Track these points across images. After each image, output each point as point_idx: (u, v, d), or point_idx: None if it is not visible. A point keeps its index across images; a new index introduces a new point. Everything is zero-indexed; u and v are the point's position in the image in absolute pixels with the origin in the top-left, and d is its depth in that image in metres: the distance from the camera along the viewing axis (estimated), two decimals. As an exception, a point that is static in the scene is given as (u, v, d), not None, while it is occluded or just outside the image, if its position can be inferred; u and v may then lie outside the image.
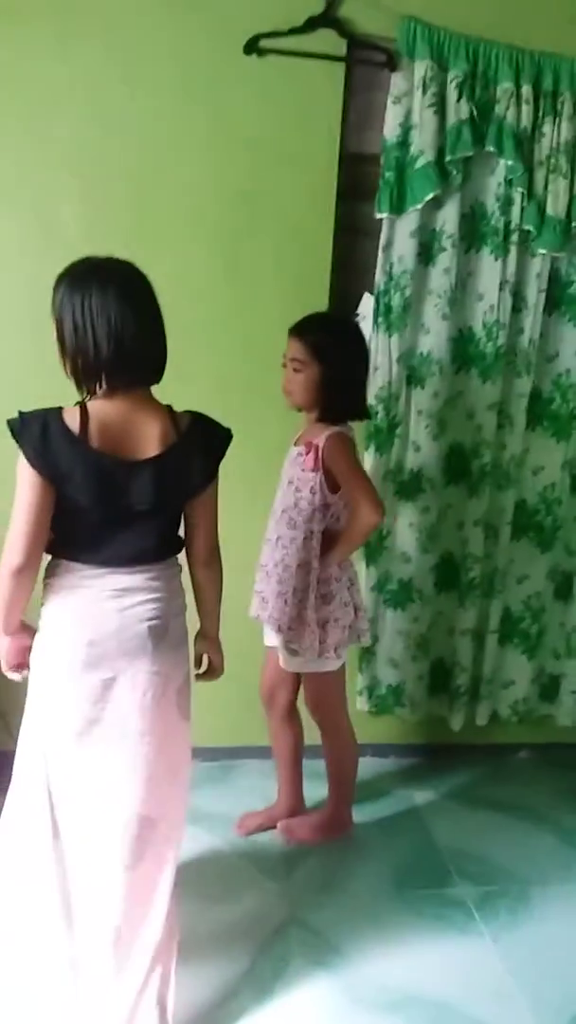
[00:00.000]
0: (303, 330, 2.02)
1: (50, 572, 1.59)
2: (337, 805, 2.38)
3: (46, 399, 1.52)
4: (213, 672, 1.88)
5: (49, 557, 1.59)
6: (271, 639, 2.20)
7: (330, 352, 1.99)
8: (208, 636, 1.83)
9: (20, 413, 1.49)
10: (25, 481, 1.48)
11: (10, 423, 1.48)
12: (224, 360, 2.39)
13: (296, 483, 2.07)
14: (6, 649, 1.63)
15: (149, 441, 1.52)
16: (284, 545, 2.09)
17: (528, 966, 1.95)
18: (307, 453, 2.03)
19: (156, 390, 1.60)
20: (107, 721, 1.56)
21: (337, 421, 2.06)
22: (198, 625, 1.82)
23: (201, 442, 1.58)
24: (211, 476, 1.62)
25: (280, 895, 2.14)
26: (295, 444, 2.12)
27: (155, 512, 1.55)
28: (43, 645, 1.59)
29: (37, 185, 2.27)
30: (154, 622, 1.57)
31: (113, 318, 1.46)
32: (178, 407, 1.61)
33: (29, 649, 1.61)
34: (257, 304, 2.39)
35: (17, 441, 1.47)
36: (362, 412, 2.12)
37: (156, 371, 1.59)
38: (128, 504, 1.52)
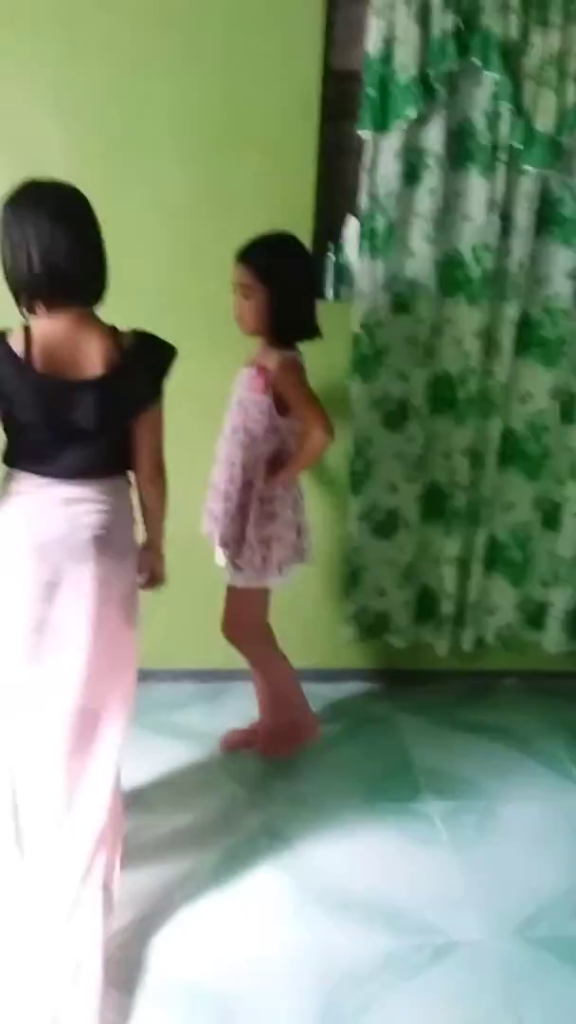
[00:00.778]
0: (247, 254, 2.02)
1: (7, 480, 1.68)
2: (270, 722, 2.43)
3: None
4: (155, 580, 1.94)
5: (7, 469, 1.68)
6: (221, 558, 2.26)
7: (275, 273, 2.00)
8: (151, 546, 1.89)
9: None
10: None
11: None
12: (207, 283, 2.38)
13: (246, 403, 2.10)
14: None
15: (92, 361, 1.57)
16: (232, 463, 2.13)
17: (486, 877, 2.03)
18: (258, 376, 2.05)
19: (137, 313, 1.64)
20: (54, 620, 1.65)
21: (288, 343, 2.07)
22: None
23: (144, 361, 1.61)
24: (154, 395, 1.65)
25: (252, 805, 2.24)
26: (246, 366, 2.14)
27: (99, 430, 1.60)
28: None
29: (12, 115, 2.27)
30: (99, 531, 1.64)
31: (43, 237, 1.50)
32: (158, 329, 1.65)
33: None
34: (239, 227, 2.32)
35: None
36: (312, 331, 2.12)
37: (93, 291, 1.62)
38: (72, 423, 1.57)
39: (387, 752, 2.52)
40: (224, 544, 2.16)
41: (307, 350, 2.19)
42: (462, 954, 1.80)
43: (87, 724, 1.68)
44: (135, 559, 1.77)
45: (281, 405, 2.07)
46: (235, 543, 2.14)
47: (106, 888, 1.71)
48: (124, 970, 1.71)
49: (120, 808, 1.79)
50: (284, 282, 2.01)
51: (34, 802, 1.69)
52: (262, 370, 2.05)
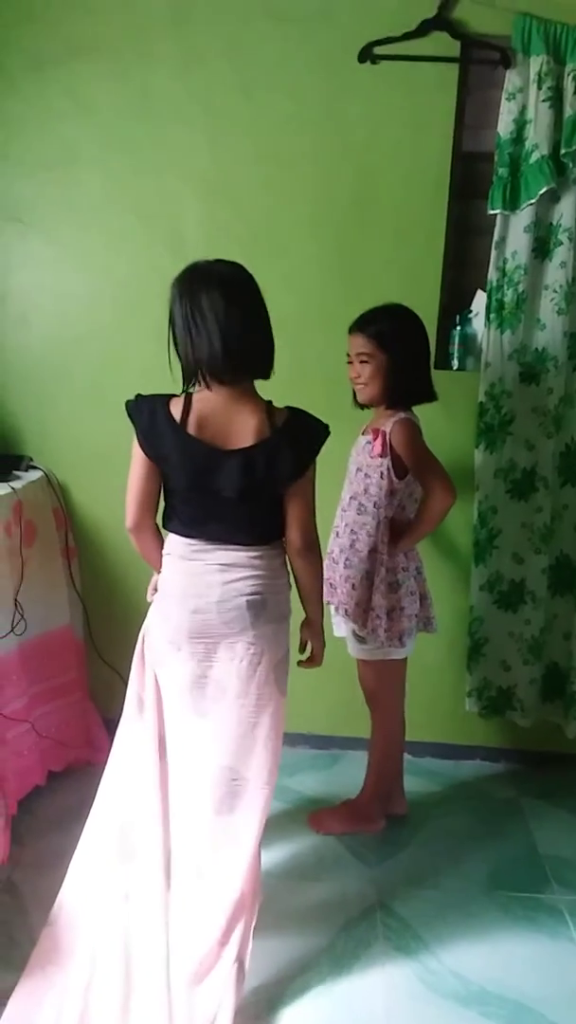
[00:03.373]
0: (363, 324, 2.09)
1: (167, 544, 1.78)
2: (368, 797, 2.39)
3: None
4: (314, 659, 1.95)
5: (165, 531, 1.79)
6: (340, 628, 2.25)
7: (393, 339, 2.05)
8: (309, 624, 1.92)
9: (136, 396, 1.69)
10: (135, 456, 1.70)
11: (127, 405, 1.69)
12: (338, 357, 2.47)
13: (365, 470, 2.13)
14: (153, 582, 1.88)
15: (244, 433, 1.64)
16: (354, 531, 2.15)
17: (619, 979, 1.88)
18: (375, 439, 2.08)
19: (272, 388, 1.71)
20: (211, 679, 1.72)
21: (404, 407, 2.09)
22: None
23: (293, 436, 1.65)
24: (301, 469, 1.68)
25: (370, 882, 2.17)
26: (363, 433, 2.18)
27: (242, 499, 1.64)
28: (156, 609, 1.78)
29: (165, 199, 2.47)
30: (253, 597, 1.69)
31: (219, 317, 1.58)
32: (290, 401, 1.71)
33: None
34: (371, 303, 2.44)
35: (131, 421, 1.68)
36: (429, 394, 2.14)
37: (260, 368, 1.68)
38: (217, 489, 1.64)
39: (510, 835, 2.41)
40: (346, 613, 2.16)
41: (433, 419, 2.22)
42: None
43: (234, 786, 1.71)
44: (287, 627, 1.80)
45: (399, 468, 2.08)
46: (360, 612, 2.14)
47: (240, 960, 1.71)
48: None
49: (259, 880, 1.79)
50: (401, 347, 2.06)
51: (180, 851, 1.74)
52: (378, 433, 2.09)
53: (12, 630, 2.26)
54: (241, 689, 1.71)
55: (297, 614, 1.88)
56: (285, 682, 1.80)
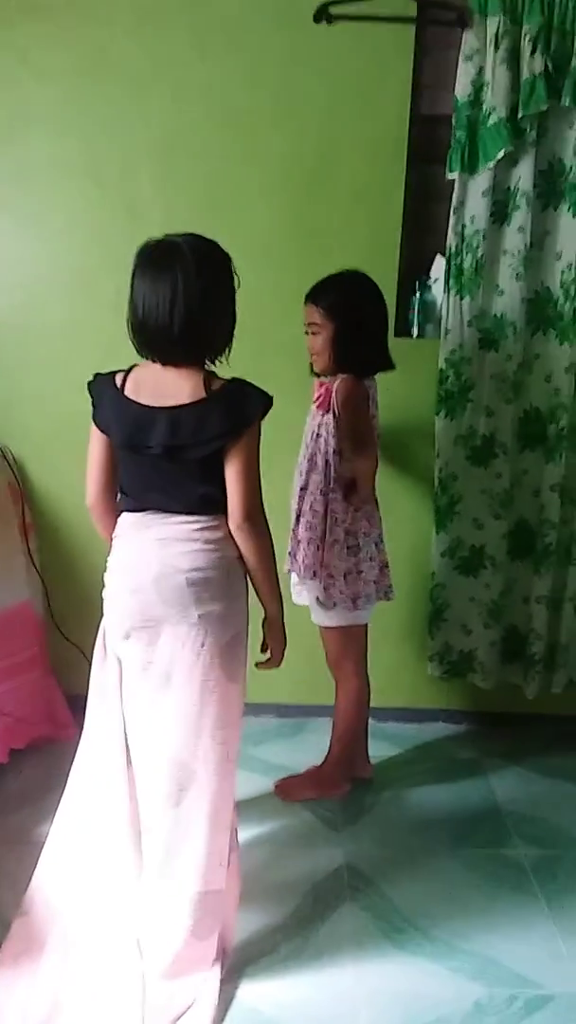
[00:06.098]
0: (314, 294, 2.08)
1: (117, 525, 1.74)
2: (332, 763, 2.42)
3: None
4: (272, 662, 1.85)
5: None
6: (301, 596, 2.26)
7: (342, 309, 2.04)
8: (267, 618, 1.81)
9: (95, 375, 1.70)
10: (92, 433, 1.70)
11: (88, 385, 1.70)
12: (294, 326, 2.44)
13: (317, 430, 2.13)
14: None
15: (179, 394, 1.60)
16: (311, 491, 2.14)
17: (580, 929, 1.94)
18: (321, 394, 2.09)
19: (230, 357, 1.67)
20: (156, 664, 1.67)
21: (359, 376, 2.09)
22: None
23: (227, 399, 1.60)
24: (233, 432, 1.60)
25: (337, 845, 2.20)
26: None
27: (170, 457, 1.60)
28: (105, 593, 1.74)
29: (120, 163, 2.40)
30: (193, 573, 1.61)
31: (144, 298, 1.56)
32: (246, 372, 1.65)
33: None
34: (329, 270, 2.41)
35: (91, 400, 1.68)
36: (385, 363, 2.14)
37: (193, 351, 1.61)
38: (148, 447, 1.60)
39: (473, 795, 2.46)
40: (313, 575, 2.16)
41: (392, 386, 2.21)
42: (557, 1006, 1.71)
43: (183, 778, 1.66)
44: (241, 607, 1.71)
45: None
46: (323, 575, 2.14)
47: (221, 958, 1.73)
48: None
49: (234, 874, 1.79)
50: (351, 317, 2.05)
51: (145, 849, 1.72)
52: (324, 387, 2.09)
53: (-31, 606, 2.23)
54: (185, 676, 1.64)
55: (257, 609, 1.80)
56: (236, 667, 1.69)
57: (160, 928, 1.69)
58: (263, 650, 1.86)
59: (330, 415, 2.08)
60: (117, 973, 1.67)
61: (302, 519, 2.17)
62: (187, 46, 2.32)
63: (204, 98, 2.36)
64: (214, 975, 1.71)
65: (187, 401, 1.59)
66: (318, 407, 2.10)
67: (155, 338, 1.58)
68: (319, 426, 2.13)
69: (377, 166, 2.40)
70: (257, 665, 1.84)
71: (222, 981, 1.73)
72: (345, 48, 2.31)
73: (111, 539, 1.76)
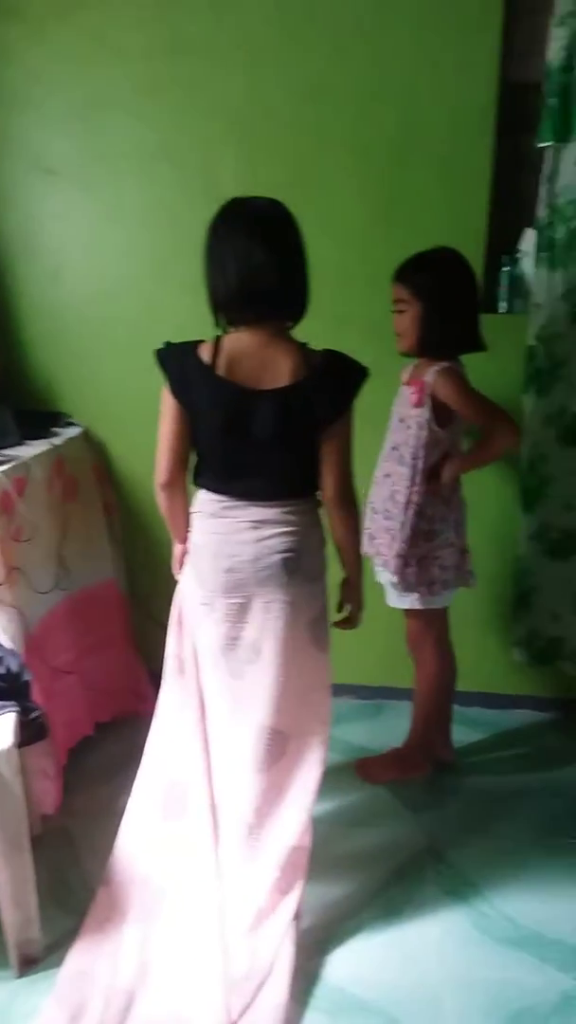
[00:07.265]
0: (401, 272, 2.03)
1: (196, 502, 1.73)
2: (413, 745, 2.39)
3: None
4: (351, 621, 1.90)
5: (196, 489, 1.74)
6: (381, 577, 2.22)
7: (430, 288, 1.99)
8: (347, 583, 1.86)
9: (165, 344, 1.63)
10: (164, 407, 1.64)
11: (157, 353, 1.62)
12: (382, 303, 2.40)
13: (406, 420, 2.08)
14: (177, 555, 1.83)
15: (279, 373, 1.58)
16: (394, 481, 2.10)
17: None
18: (414, 390, 2.03)
19: (312, 333, 1.64)
20: (244, 640, 1.69)
21: (446, 356, 2.03)
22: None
23: (331, 376, 1.59)
24: (338, 412, 1.61)
25: (420, 828, 2.18)
26: (404, 383, 2.13)
27: (276, 443, 1.59)
28: (188, 570, 1.75)
29: (200, 144, 2.39)
30: (288, 554, 1.65)
31: (240, 254, 1.52)
32: (334, 347, 1.64)
33: None
34: (414, 245, 2.36)
35: (161, 370, 1.61)
36: (475, 343, 2.07)
37: (291, 309, 1.62)
38: (250, 434, 1.58)
39: (560, 784, 2.39)
40: (385, 564, 2.14)
41: (478, 364, 2.15)
42: None
43: (276, 745, 1.71)
44: (324, 584, 1.77)
45: (442, 417, 2.03)
46: (397, 561, 2.11)
47: (298, 917, 1.74)
48: (294, 981, 1.68)
49: (310, 836, 1.81)
50: (439, 296, 1.99)
51: (227, 810, 1.74)
52: (418, 383, 2.03)
53: (57, 585, 2.27)
54: (278, 648, 1.69)
55: (336, 572, 1.84)
56: (324, 639, 1.78)
57: (245, 885, 1.72)
58: (339, 609, 1.89)
59: (424, 408, 2.02)
60: (200, 938, 1.69)
61: (381, 506, 2.14)
62: (266, 21, 2.29)
63: (284, 74, 2.33)
64: (291, 937, 1.71)
65: (291, 380, 1.57)
66: (414, 405, 2.05)
67: (258, 297, 1.55)
68: (408, 417, 2.08)
69: (463, 137, 2.33)
70: (335, 624, 1.87)
71: (301, 948, 1.73)
72: (430, 16, 2.25)
73: (180, 524, 1.75)
